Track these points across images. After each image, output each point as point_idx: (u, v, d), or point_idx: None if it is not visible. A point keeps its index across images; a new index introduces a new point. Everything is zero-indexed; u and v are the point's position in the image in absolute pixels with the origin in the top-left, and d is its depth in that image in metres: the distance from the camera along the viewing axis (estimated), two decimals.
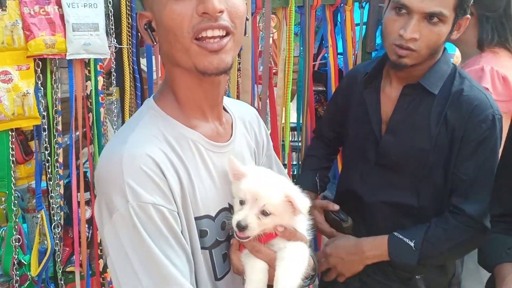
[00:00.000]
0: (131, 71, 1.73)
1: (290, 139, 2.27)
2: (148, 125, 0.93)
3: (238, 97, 2.00)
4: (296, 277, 0.93)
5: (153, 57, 1.80)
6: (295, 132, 2.37)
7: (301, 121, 2.26)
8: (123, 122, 1.76)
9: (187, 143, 0.94)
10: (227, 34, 0.88)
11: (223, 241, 0.99)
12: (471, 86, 1.41)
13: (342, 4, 2.20)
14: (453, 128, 1.37)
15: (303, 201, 0.97)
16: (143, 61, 1.81)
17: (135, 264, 0.82)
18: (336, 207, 1.54)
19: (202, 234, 0.94)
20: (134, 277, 0.83)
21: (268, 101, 2.10)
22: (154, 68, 1.82)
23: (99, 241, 1.75)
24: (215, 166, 0.98)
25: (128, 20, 1.70)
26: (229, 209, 1.00)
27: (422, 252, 1.38)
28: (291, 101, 2.42)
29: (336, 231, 1.55)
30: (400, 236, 1.41)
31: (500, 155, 1.30)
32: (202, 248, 0.94)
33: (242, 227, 0.92)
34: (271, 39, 2.15)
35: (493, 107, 1.38)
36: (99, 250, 1.76)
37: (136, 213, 0.82)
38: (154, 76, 1.82)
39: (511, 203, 1.15)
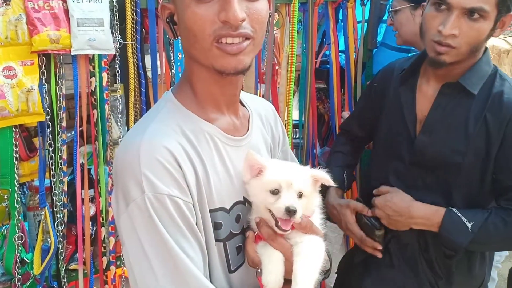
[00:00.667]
0: (135, 68, 1.72)
1: (293, 136, 2.26)
2: (166, 117, 0.94)
3: None
4: (314, 272, 0.93)
5: (157, 54, 1.78)
6: (297, 129, 2.37)
7: (303, 119, 2.26)
8: (127, 119, 1.75)
9: (204, 136, 0.95)
10: (247, 38, 0.89)
11: (237, 233, 1.00)
12: (511, 88, 1.37)
13: (344, 1, 2.20)
14: (492, 130, 1.34)
15: (327, 176, 1.00)
16: (148, 58, 1.79)
17: (149, 253, 0.84)
18: (370, 212, 1.51)
19: (216, 226, 0.95)
20: (148, 266, 0.84)
21: (271, 98, 2.10)
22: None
23: (102, 238, 1.74)
24: (231, 160, 0.98)
25: (133, 15, 1.68)
26: (244, 203, 1.00)
27: (477, 236, 1.34)
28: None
29: (365, 236, 1.51)
30: (459, 214, 1.36)
31: None
32: (216, 240, 0.95)
33: (293, 211, 0.92)
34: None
35: None
36: (102, 248, 1.75)
37: (152, 204, 0.83)
38: (159, 72, 1.81)
39: None
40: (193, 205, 0.89)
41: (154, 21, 1.73)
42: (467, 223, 1.35)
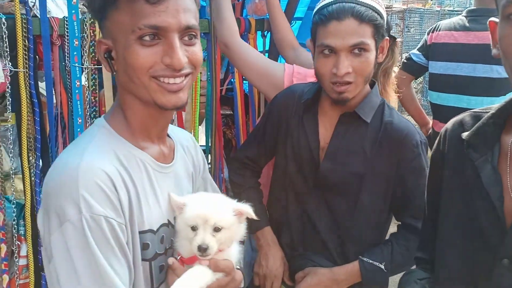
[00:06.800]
0: (28, 96, 1.64)
1: None
2: (101, 142, 1.00)
3: None
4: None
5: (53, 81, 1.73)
6: (204, 154, 2.40)
7: (210, 144, 2.30)
8: (20, 149, 1.66)
9: (136, 162, 1.03)
10: (187, 75, 1.00)
11: (161, 254, 1.07)
12: (398, 116, 1.55)
13: (245, 32, 2.31)
14: (388, 154, 1.48)
15: (250, 209, 1.09)
16: (43, 85, 1.73)
17: (79, 270, 0.88)
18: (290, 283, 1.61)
19: (144, 246, 1.02)
20: (77, 282, 0.88)
21: (176, 125, 2.12)
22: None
23: None
24: (159, 185, 1.07)
25: (25, 42, 1.62)
26: (167, 225, 1.09)
27: (392, 271, 1.48)
28: (200, 125, 2.46)
29: None
30: (370, 261, 1.49)
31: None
32: (143, 259, 1.02)
33: (204, 249, 1.01)
34: None
35: (419, 133, 1.53)
36: None
37: (88, 224, 0.89)
38: (54, 100, 1.75)
39: (432, 250, 1.20)
40: (125, 226, 0.96)
41: (49, 48, 1.68)
42: (380, 265, 1.48)
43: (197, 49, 1.01)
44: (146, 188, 1.03)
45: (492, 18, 1.02)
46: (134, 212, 0.98)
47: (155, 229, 1.04)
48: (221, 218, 1.04)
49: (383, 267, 1.48)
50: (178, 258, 1.07)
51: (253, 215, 1.09)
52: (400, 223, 1.59)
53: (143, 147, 1.05)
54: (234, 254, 1.13)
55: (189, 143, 1.27)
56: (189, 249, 1.05)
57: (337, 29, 1.38)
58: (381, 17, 1.43)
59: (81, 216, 0.88)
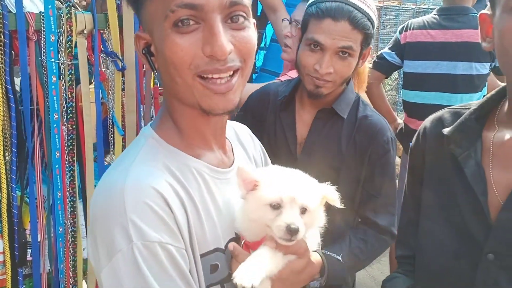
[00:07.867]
0: (3, 91, 1.63)
1: None
2: (149, 155, 0.86)
3: (123, 118, 1.99)
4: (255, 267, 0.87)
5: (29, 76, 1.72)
6: None
7: None
8: None
9: (191, 173, 0.89)
10: (235, 71, 0.83)
11: None
12: (372, 111, 1.60)
13: None
14: (361, 148, 1.53)
15: (336, 195, 0.97)
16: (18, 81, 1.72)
17: None
18: None
19: (212, 269, 0.88)
20: None
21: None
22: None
23: None
24: (221, 195, 0.93)
25: (0, 37, 1.61)
26: (237, 239, 0.95)
27: (349, 264, 1.49)
28: None
29: None
30: (328, 252, 1.48)
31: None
32: (213, 284, 0.89)
33: (294, 231, 0.85)
34: None
35: (390, 130, 1.58)
36: None
37: (141, 253, 0.75)
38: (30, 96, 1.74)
39: (413, 245, 1.20)
40: (185, 251, 0.82)
41: (25, 43, 1.67)
42: (337, 256, 1.49)
43: (248, 35, 0.82)
44: (207, 202, 0.89)
45: (484, 11, 1.01)
46: (193, 234, 0.84)
47: (223, 246, 0.90)
48: (309, 198, 0.90)
49: (340, 258, 1.49)
50: (243, 243, 0.92)
51: (337, 203, 0.96)
52: (360, 219, 1.63)
53: (198, 154, 0.91)
54: (309, 235, 0.99)
55: (245, 136, 1.13)
56: (257, 232, 0.91)
57: (331, 28, 1.40)
58: (373, 27, 1.48)
59: (132, 245, 0.74)
